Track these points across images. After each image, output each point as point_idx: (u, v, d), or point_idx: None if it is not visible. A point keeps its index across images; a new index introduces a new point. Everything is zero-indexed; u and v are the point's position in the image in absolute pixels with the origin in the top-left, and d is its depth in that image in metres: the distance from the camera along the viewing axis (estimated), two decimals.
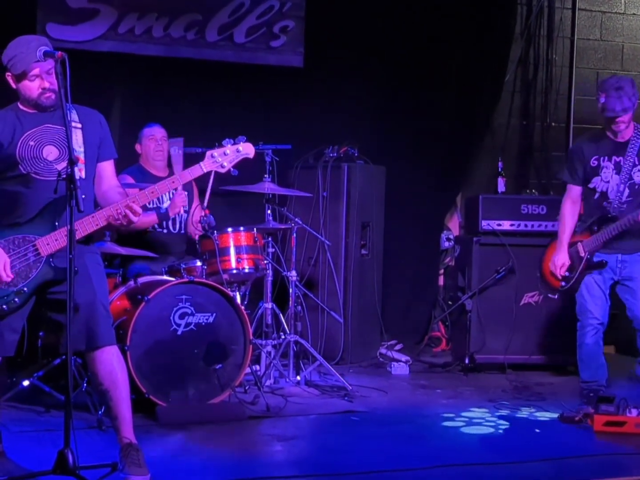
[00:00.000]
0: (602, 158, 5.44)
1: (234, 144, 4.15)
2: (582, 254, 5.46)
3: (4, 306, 3.94)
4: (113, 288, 5.52)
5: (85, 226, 3.96)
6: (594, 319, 5.48)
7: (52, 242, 3.94)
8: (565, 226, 5.54)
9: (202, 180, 5.96)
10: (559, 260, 5.52)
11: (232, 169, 4.16)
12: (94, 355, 4.05)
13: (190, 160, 5.94)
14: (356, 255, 7.09)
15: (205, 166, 4.10)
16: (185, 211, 6.19)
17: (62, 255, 3.81)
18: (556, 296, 5.80)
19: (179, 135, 6.33)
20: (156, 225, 6.08)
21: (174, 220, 6.15)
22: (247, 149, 4.17)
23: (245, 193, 6.18)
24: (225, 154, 4.12)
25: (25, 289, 3.96)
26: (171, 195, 6.08)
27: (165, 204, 6.05)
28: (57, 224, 3.94)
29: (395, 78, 7.53)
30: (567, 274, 5.52)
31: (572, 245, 5.53)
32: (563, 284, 5.57)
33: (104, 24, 6.91)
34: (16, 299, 3.95)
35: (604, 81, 5.48)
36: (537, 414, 5.54)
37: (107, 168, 4.24)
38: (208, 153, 4.11)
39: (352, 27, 7.40)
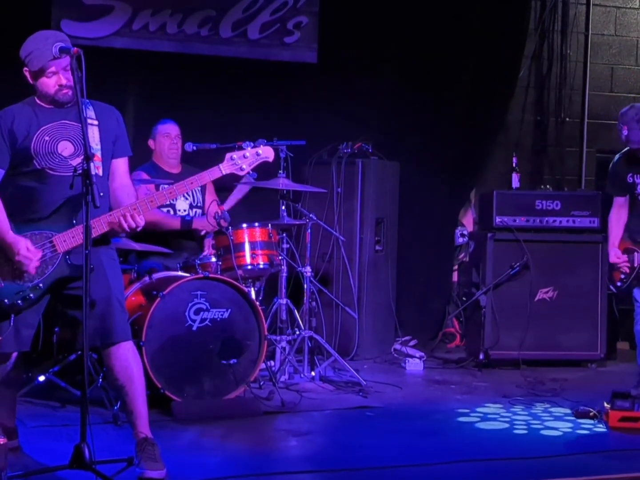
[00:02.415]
0: (635, 176, 5.79)
1: (254, 146, 4.15)
2: (636, 265, 5.76)
3: (19, 301, 3.95)
4: (128, 284, 5.53)
5: (102, 224, 3.97)
6: None
7: (69, 239, 3.96)
8: (612, 230, 5.95)
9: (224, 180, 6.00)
10: (613, 259, 5.85)
11: (250, 172, 4.17)
12: (110, 351, 4.06)
13: (204, 156, 5.98)
14: (370, 251, 7.10)
15: (224, 168, 4.10)
16: (199, 206, 6.21)
17: (78, 252, 3.83)
18: (615, 290, 6.04)
19: (191, 131, 6.34)
20: None
21: (193, 216, 6.15)
22: (266, 153, 4.17)
23: (260, 189, 6.19)
24: (244, 156, 4.12)
25: (41, 284, 3.97)
26: (187, 195, 6.11)
27: (180, 200, 6.07)
28: (74, 221, 3.95)
29: (409, 74, 7.52)
30: (626, 270, 5.80)
31: (631, 251, 5.83)
32: (619, 284, 5.86)
33: (118, 20, 6.94)
34: (31, 295, 3.97)
35: (624, 113, 5.80)
36: (552, 409, 5.54)
37: (120, 165, 4.23)
38: (227, 155, 4.11)
39: (366, 23, 7.40)
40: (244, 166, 4.12)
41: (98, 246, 4.01)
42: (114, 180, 4.22)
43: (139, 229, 4.01)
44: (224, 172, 4.11)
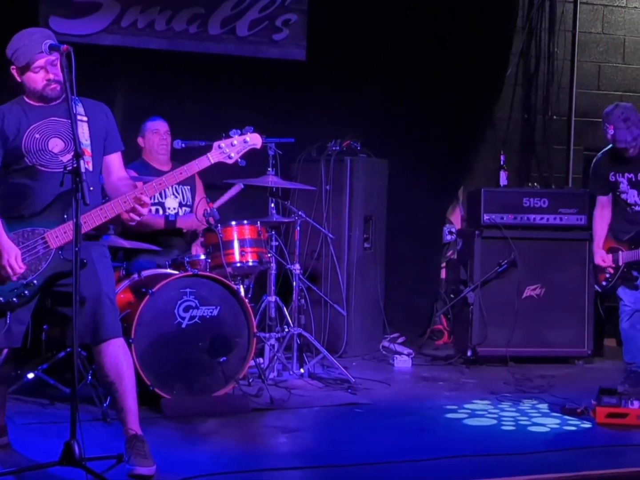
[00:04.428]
0: (617, 174, 5.90)
1: (241, 134, 4.14)
2: (621, 264, 5.90)
3: (14, 299, 3.96)
4: (117, 281, 5.51)
5: (94, 218, 3.97)
6: (625, 305, 5.91)
7: (60, 234, 3.96)
8: (596, 230, 6.09)
9: (207, 174, 5.99)
10: (598, 262, 5.99)
11: (239, 160, 4.16)
12: (100, 348, 4.07)
13: (193, 153, 5.97)
14: (359, 248, 7.11)
15: (212, 157, 4.10)
16: (188, 205, 6.22)
17: (71, 247, 3.82)
18: (600, 290, 6.19)
19: (180, 129, 6.35)
20: None
21: (177, 214, 6.15)
22: (254, 140, 4.16)
23: (249, 186, 6.20)
24: (232, 144, 4.11)
25: (35, 281, 3.98)
26: (175, 190, 6.11)
27: (169, 199, 6.07)
28: (65, 216, 3.95)
29: (398, 72, 7.53)
30: (611, 271, 5.93)
31: (615, 250, 5.94)
32: (604, 283, 6.00)
33: (106, 17, 6.93)
34: (26, 292, 3.97)
35: (609, 113, 5.87)
36: (540, 405, 5.56)
37: (114, 160, 4.25)
38: (215, 144, 4.11)
39: (355, 21, 7.41)
40: (232, 154, 4.12)
41: (89, 243, 4.02)
42: (111, 175, 4.23)
43: (146, 210, 4.00)
44: (212, 161, 4.11)
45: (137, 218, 4.01)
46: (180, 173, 4.09)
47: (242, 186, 6.16)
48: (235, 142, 4.12)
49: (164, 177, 4.08)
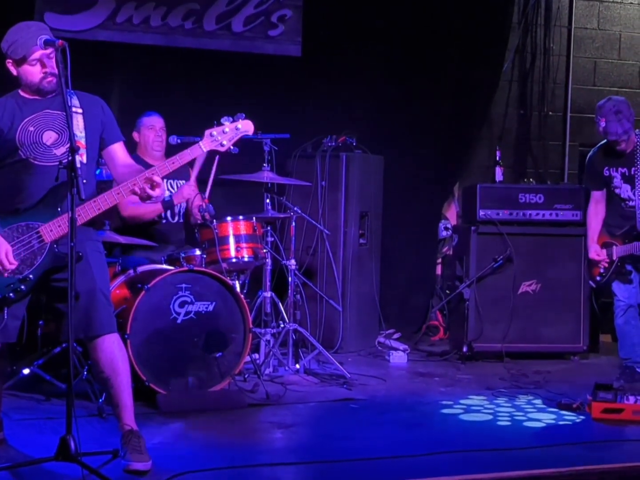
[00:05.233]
0: (611, 169, 5.98)
1: (233, 121, 4.12)
2: (615, 258, 5.98)
3: (11, 294, 3.95)
4: (112, 277, 5.51)
5: (88, 211, 3.96)
6: (619, 301, 6.02)
7: (55, 228, 3.96)
8: (590, 225, 6.18)
9: (203, 171, 5.98)
10: (592, 256, 6.09)
11: (232, 147, 4.14)
12: (95, 344, 4.07)
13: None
14: (355, 244, 7.11)
15: (204, 145, 4.08)
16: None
17: (65, 241, 3.82)
18: (594, 285, 6.29)
19: (175, 124, 6.33)
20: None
21: (172, 209, 6.15)
22: (246, 126, 4.14)
23: (244, 182, 6.19)
24: (224, 132, 4.09)
25: (31, 276, 3.97)
26: (170, 185, 6.10)
27: (166, 193, 6.06)
28: (59, 210, 3.94)
29: (393, 68, 7.54)
30: (605, 265, 6.03)
31: (609, 245, 6.02)
32: (598, 278, 6.10)
33: (101, 13, 6.93)
34: (22, 287, 3.96)
35: (601, 106, 5.94)
36: (535, 401, 5.57)
37: (118, 150, 4.24)
38: (207, 132, 4.08)
39: (350, 16, 7.41)
40: (224, 142, 4.10)
41: (84, 238, 4.01)
42: (117, 165, 4.22)
43: (158, 192, 3.99)
44: (204, 149, 4.09)
45: (147, 199, 3.99)
46: (172, 162, 4.07)
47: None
48: (227, 129, 4.10)
49: (156, 167, 4.05)
